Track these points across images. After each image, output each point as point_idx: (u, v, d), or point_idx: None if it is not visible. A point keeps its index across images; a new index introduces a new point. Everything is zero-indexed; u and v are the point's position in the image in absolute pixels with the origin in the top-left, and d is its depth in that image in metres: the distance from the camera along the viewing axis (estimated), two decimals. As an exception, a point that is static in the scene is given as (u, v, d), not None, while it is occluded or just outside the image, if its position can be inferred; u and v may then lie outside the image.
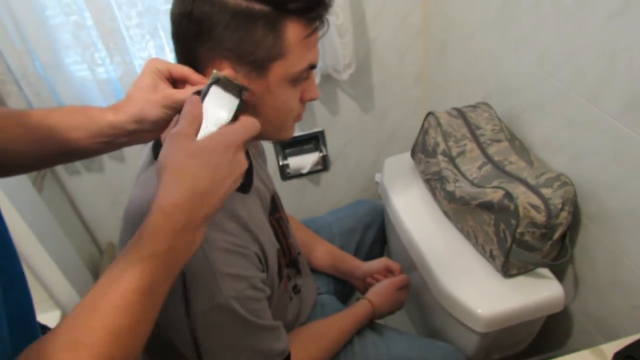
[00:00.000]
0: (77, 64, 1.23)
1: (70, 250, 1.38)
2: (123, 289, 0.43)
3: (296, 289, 0.92)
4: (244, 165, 0.52)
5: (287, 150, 1.57)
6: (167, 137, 0.51)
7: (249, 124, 0.53)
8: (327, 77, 1.38)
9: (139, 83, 0.59)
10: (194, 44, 0.61)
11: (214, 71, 0.56)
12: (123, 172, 1.48)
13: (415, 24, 1.38)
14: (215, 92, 0.55)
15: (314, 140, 1.57)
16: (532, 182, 0.83)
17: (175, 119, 0.62)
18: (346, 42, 1.25)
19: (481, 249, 0.90)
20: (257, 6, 0.58)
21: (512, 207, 0.80)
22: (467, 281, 0.88)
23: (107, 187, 1.51)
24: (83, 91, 1.25)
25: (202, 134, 0.52)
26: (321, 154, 1.55)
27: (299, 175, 1.58)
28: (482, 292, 0.85)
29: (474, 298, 0.84)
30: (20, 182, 1.20)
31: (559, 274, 0.92)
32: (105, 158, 1.45)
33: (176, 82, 0.61)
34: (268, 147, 1.48)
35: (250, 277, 0.65)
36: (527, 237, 0.80)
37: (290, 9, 0.59)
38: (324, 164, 1.59)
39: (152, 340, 0.50)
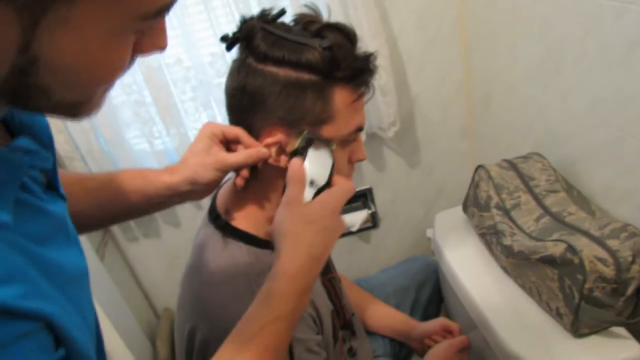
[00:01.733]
0: (137, 138, 1.31)
1: (129, 315, 1.42)
2: (259, 349, 0.47)
3: (352, 352, 0.89)
4: (344, 227, 0.57)
5: (336, 209, 1.57)
6: (280, 204, 0.55)
7: (348, 188, 0.58)
8: (372, 136, 1.40)
9: (194, 147, 0.64)
10: (248, 114, 0.64)
11: (305, 131, 0.60)
12: (179, 238, 1.53)
13: (456, 79, 1.40)
14: (312, 153, 0.60)
15: (362, 198, 1.57)
16: (596, 233, 0.79)
17: (227, 177, 0.66)
18: (389, 101, 1.28)
19: (546, 306, 0.85)
20: (306, 76, 0.61)
21: (576, 260, 0.76)
22: (534, 341, 0.82)
23: (163, 253, 1.56)
24: (142, 163, 1.33)
25: (306, 196, 0.56)
26: (370, 211, 1.55)
27: (348, 233, 1.58)
28: (552, 353, 0.79)
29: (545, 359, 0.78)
30: (85, 249, 1.26)
31: (637, 334, 0.85)
32: (161, 224, 1.51)
33: (229, 143, 0.65)
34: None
35: (305, 340, 0.64)
36: (596, 293, 0.75)
37: (338, 77, 0.62)
38: (373, 221, 1.58)
39: None
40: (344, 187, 0.58)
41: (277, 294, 0.50)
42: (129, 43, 0.34)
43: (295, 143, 0.60)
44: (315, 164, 0.59)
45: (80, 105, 0.36)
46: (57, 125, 1.20)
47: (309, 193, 0.57)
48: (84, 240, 1.25)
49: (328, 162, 0.60)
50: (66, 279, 0.38)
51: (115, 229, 1.50)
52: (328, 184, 0.59)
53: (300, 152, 0.59)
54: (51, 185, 0.42)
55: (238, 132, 0.64)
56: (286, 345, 0.52)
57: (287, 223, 0.54)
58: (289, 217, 0.54)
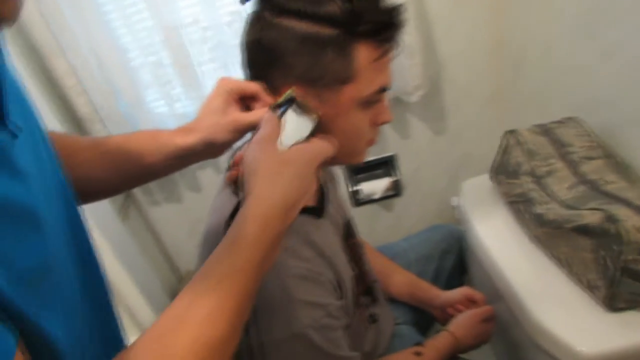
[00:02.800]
0: (157, 101, 1.30)
1: (152, 276, 1.44)
2: (221, 299, 0.42)
3: (372, 318, 0.88)
4: (315, 185, 0.52)
5: (358, 176, 1.54)
6: (251, 143, 0.51)
7: (325, 145, 0.53)
8: (396, 100, 1.35)
9: (210, 104, 0.60)
10: (265, 70, 0.61)
11: (292, 89, 0.57)
12: (200, 202, 1.53)
13: (488, 40, 1.32)
14: (292, 110, 0.56)
15: (385, 165, 1.53)
16: (638, 203, 0.74)
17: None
18: (415, 63, 1.22)
19: (578, 278, 0.81)
20: (326, 30, 0.57)
21: (614, 231, 0.71)
22: (564, 314, 0.79)
23: (185, 217, 1.56)
24: (163, 126, 1.31)
25: (280, 147, 0.52)
26: (393, 179, 1.51)
27: (370, 201, 1.55)
28: (583, 327, 0.76)
29: (575, 334, 0.75)
30: (107, 212, 1.28)
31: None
32: (183, 189, 1.51)
33: (247, 100, 0.61)
34: (338, 173, 1.46)
35: (327, 305, 0.63)
36: (637, 266, 0.71)
37: (360, 31, 0.58)
38: (396, 189, 1.55)
39: None
40: (322, 144, 0.53)
41: (249, 239, 0.45)
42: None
43: (280, 99, 0.57)
44: (293, 123, 0.55)
45: None
46: (76, 89, 1.19)
47: (284, 143, 0.53)
48: (106, 203, 1.26)
49: (309, 123, 0.55)
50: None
51: (137, 192, 1.51)
52: (307, 140, 0.55)
53: (281, 106, 0.56)
54: None
55: (256, 88, 0.60)
56: (253, 296, 0.45)
57: (261, 160, 0.48)
58: (264, 155, 0.49)
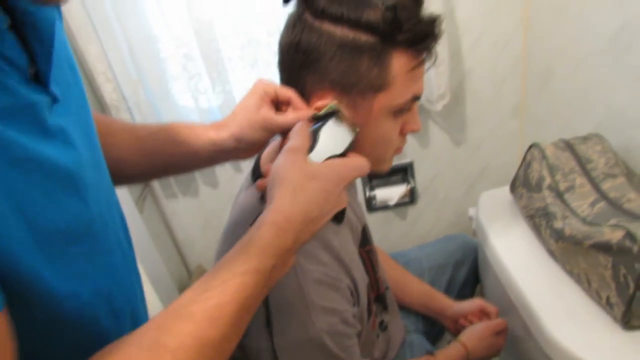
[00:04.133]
0: (182, 93, 1.31)
1: (163, 269, 1.45)
2: (221, 299, 0.41)
3: (383, 326, 0.88)
4: (345, 203, 0.51)
5: (374, 182, 1.54)
6: (281, 152, 0.50)
7: (362, 163, 0.53)
8: (418, 108, 1.35)
9: (245, 102, 0.61)
10: (300, 73, 0.61)
11: (334, 102, 0.57)
12: (216, 197, 1.54)
13: (514, 54, 1.32)
14: (332, 123, 0.56)
15: (402, 172, 1.54)
16: (659, 222, 0.74)
17: (271, 141, 0.63)
18: (441, 72, 1.23)
19: (595, 294, 0.81)
20: (364, 37, 0.57)
21: (635, 249, 0.71)
22: (579, 330, 0.78)
23: (200, 211, 1.58)
24: (186, 119, 1.33)
25: (313, 156, 0.52)
26: (409, 186, 1.51)
27: (385, 207, 1.55)
28: (599, 344, 0.75)
29: (589, 351, 0.74)
30: (125, 202, 1.29)
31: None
32: (200, 184, 1.52)
33: (280, 104, 0.62)
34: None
35: (343, 311, 0.63)
36: (655, 285, 0.70)
37: (398, 40, 0.58)
38: (411, 197, 1.55)
39: None
40: (359, 161, 0.53)
41: (259, 244, 0.44)
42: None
43: (321, 111, 0.57)
44: (330, 137, 0.55)
45: None
46: (106, 75, 1.21)
47: (321, 155, 0.52)
48: (124, 192, 1.28)
49: (347, 137, 0.56)
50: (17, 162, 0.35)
51: (155, 184, 1.52)
52: (343, 156, 0.55)
53: (320, 119, 0.56)
54: (39, 79, 0.40)
55: (290, 94, 0.61)
56: (257, 302, 0.45)
57: (288, 171, 0.48)
58: (290, 166, 0.48)
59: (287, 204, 0.46)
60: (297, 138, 0.52)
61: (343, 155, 0.54)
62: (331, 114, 0.56)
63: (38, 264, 0.36)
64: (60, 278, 0.38)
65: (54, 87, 0.41)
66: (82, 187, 0.42)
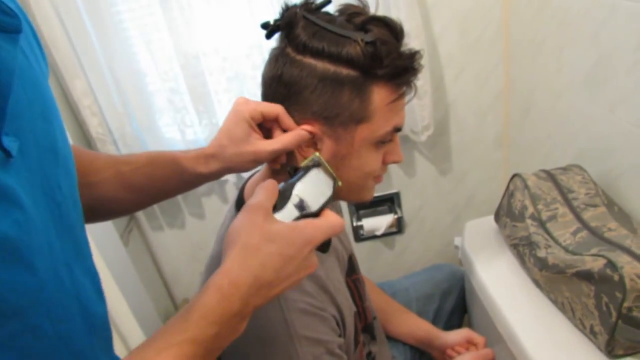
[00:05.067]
0: (169, 126, 1.32)
1: (148, 303, 1.42)
2: None
3: (370, 357, 0.87)
4: (314, 267, 0.48)
5: (362, 212, 1.55)
6: (242, 209, 0.48)
7: (334, 223, 0.49)
8: (404, 138, 1.38)
9: (232, 133, 0.61)
10: (282, 105, 0.62)
11: (316, 153, 0.56)
12: (203, 229, 1.53)
13: (496, 86, 1.36)
14: (311, 176, 0.54)
15: (389, 202, 1.55)
16: (638, 251, 0.75)
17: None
18: (425, 104, 1.25)
19: (579, 323, 0.81)
20: (345, 71, 0.59)
21: (616, 277, 0.72)
22: (564, 359, 0.78)
23: (186, 244, 1.56)
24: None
25: (283, 214, 0.49)
26: (396, 216, 1.52)
27: (372, 237, 1.55)
28: (584, 374, 0.75)
29: (575, 380, 0.74)
30: (109, 235, 1.28)
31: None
32: (187, 215, 1.51)
33: (267, 122, 0.62)
34: (342, 206, 1.47)
35: (328, 342, 0.62)
36: (635, 313, 0.71)
37: (378, 74, 0.59)
38: (398, 227, 1.55)
39: None
40: (332, 222, 0.49)
41: (201, 311, 0.41)
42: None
43: (303, 162, 0.56)
44: (312, 188, 0.52)
45: None
46: (92, 109, 1.21)
47: (291, 213, 0.49)
48: (109, 225, 1.26)
49: (326, 193, 0.54)
50: None
51: (141, 216, 1.51)
52: (316, 215, 0.51)
53: (302, 170, 0.54)
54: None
55: (278, 110, 0.60)
56: None
57: (242, 232, 0.45)
58: (247, 225, 0.45)
59: (235, 266, 0.43)
60: (260, 194, 0.48)
61: (317, 214, 0.51)
62: (312, 166, 0.54)
63: None
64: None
65: (8, 142, 0.35)
66: (28, 254, 0.35)
